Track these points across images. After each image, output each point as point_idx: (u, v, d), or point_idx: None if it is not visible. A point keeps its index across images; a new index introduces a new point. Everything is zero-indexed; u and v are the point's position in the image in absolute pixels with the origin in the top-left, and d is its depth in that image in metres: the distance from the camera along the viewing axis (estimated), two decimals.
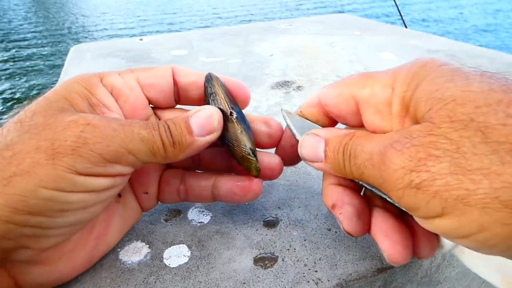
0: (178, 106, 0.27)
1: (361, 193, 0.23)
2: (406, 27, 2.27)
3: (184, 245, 0.25)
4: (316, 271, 0.23)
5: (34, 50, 4.81)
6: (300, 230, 0.26)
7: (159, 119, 0.26)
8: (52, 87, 0.22)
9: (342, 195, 0.22)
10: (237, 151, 0.24)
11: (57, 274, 0.21)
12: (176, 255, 0.24)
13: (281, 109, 0.26)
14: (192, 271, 0.23)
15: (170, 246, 0.25)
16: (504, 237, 0.14)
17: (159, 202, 0.27)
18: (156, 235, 0.26)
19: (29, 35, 5.58)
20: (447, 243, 0.21)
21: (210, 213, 0.28)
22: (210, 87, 0.25)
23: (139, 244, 0.25)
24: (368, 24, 0.85)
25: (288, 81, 0.52)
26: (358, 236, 0.21)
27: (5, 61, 4.37)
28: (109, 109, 0.23)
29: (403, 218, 0.21)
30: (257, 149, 0.25)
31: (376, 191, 0.20)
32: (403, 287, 0.25)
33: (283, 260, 0.24)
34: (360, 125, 0.23)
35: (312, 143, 0.22)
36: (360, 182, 0.21)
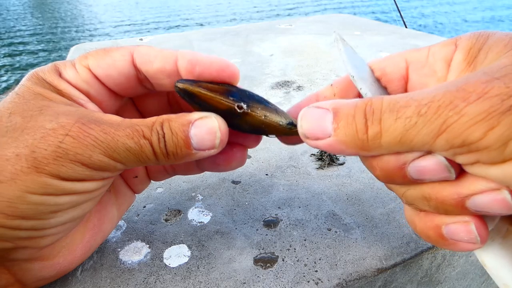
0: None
1: None
2: (406, 27, 2.27)
3: (184, 245, 0.25)
4: (316, 271, 0.23)
5: (34, 50, 4.82)
6: (300, 230, 0.26)
7: (137, 107, 0.24)
8: None
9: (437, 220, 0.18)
10: (278, 132, 0.21)
11: (58, 267, 0.21)
12: (176, 255, 0.24)
13: (334, 31, 0.23)
14: (192, 271, 0.23)
15: (170, 246, 0.25)
16: None
17: (149, 183, 0.26)
18: (156, 235, 0.26)
19: (29, 35, 5.58)
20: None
21: (210, 213, 0.28)
22: (192, 99, 0.20)
23: (139, 244, 0.25)
24: (368, 24, 0.85)
25: (288, 81, 0.52)
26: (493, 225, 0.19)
27: (4, 61, 4.37)
28: (82, 100, 0.21)
29: None
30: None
31: None
32: (403, 287, 0.25)
33: (283, 260, 0.24)
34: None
35: (315, 115, 0.18)
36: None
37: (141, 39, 0.74)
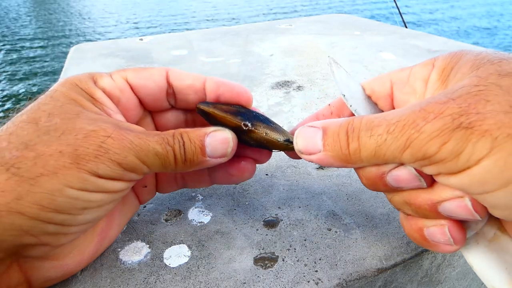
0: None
1: None
2: (406, 27, 2.27)
3: (184, 245, 0.25)
4: (316, 271, 0.23)
5: (34, 49, 4.82)
6: (300, 230, 0.26)
7: (154, 121, 0.27)
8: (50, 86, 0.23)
9: (422, 223, 0.20)
10: (278, 148, 0.24)
11: (65, 268, 0.21)
12: (176, 255, 0.24)
13: (328, 56, 0.26)
14: (192, 271, 0.23)
15: (170, 246, 0.25)
16: None
17: (155, 195, 0.27)
18: (156, 235, 0.26)
19: (28, 35, 5.58)
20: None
21: (210, 213, 0.28)
22: (207, 116, 0.24)
23: (139, 244, 0.25)
24: (368, 24, 0.85)
25: (288, 81, 0.52)
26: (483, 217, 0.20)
27: (3, 60, 4.36)
28: (112, 111, 0.23)
29: None
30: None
31: None
32: (403, 287, 0.25)
33: (283, 260, 0.24)
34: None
35: (307, 134, 0.21)
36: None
37: (141, 39, 0.74)
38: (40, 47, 4.96)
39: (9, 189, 0.17)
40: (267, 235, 0.26)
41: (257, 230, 0.26)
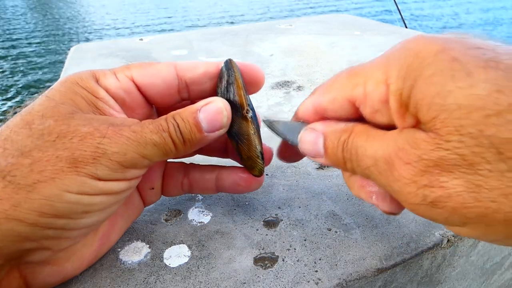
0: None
1: None
2: (406, 27, 2.27)
3: (184, 245, 0.25)
4: (316, 271, 0.23)
5: (34, 49, 4.81)
6: (300, 230, 0.26)
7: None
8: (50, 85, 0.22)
9: (366, 182, 0.21)
10: (245, 150, 0.24)
11: (64, 273, 0.21)
12: (176, 255, 0.24)
13: (262, 120, 0.25)
14: (192, 271, 0.23)
15: (170, 246, 0.25)
16: None
17: (160, 198, 0.27)
18: (156, 235, 0.26)
19: (28, 35, 5.58)
20: None
21: (210, 213, 0.28)
22: (229, 75, 0.23)
23: (139, 244, 0.25)
24: (368, 24, 0.85)
25: (288, 81, 0.52)
26: (400, 212, 0.21)
27: (3, 60, 4.36)
28: (115, 111, 0.22)
29: None
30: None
31: None
32: (403, 287, 0.25)
33: (283, 260, 0.24)
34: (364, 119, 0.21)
35: (310, 139, 0.22)
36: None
37: (141, 39, 0.74)
38: (40, 46, 4.96)
39: (6, 196, 0.17)
40: (267, 235, 0.26)
41: (257, 230, 0.26)
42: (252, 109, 0.24)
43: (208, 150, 0.28)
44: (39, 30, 5.94)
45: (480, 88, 0.14)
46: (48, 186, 0.18)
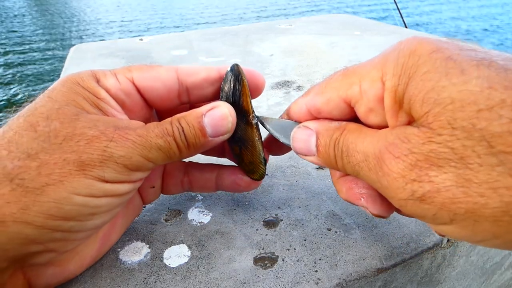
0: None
1: None
2: (406, 27, 2.27)
3: (184, 245, 0.25)
4: (316, 271, 0.23)
5: (33, 49, 4.81)
6: (300, 230, 0.26)
7: (163, 118, 0.26)
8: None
9: (355, 184, 0.21)
10: (248, 155, 0.24)
11: (67, 273, 0.21)
12: (176, 255, 0.24)
13: (255, 118, 0.25)
14: (192, 271, 0.23)
15: (170, 246, 0.25)
16: None
17: (159, 196, 0.27)
18: (156, 235, 0.26)
19: (27, 35, 5.58)
20: None
21: (210, 213, 0.28)
22: (237, 81, 0.23)
23: (139, 244, 0.25)
24: (368, 24, 0.85)
25: (288, 81, 0.52)
26: (389, 215, 0.21)
27: (2, 61, 4.37)
28: (117, 111, 0.22)
29: None
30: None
31: None
32: (403, 287, 0.25)
33: (283, 260, 0.24)
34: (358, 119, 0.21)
35: (303, 136, 0.22)
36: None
37: (141, 39, 0.74)
38: (40, 46, 4.96)
39: (14, 199, 0.17)
40: (267, 235, 0.26)
41: (257, 230, 0.26)
42: (257, 117, 0.24)
43: (207, 150, 0.28)
44: (39, 30, 5.94)
45: (473, 84, 0.14)
46: (57, 189, 0.18)
